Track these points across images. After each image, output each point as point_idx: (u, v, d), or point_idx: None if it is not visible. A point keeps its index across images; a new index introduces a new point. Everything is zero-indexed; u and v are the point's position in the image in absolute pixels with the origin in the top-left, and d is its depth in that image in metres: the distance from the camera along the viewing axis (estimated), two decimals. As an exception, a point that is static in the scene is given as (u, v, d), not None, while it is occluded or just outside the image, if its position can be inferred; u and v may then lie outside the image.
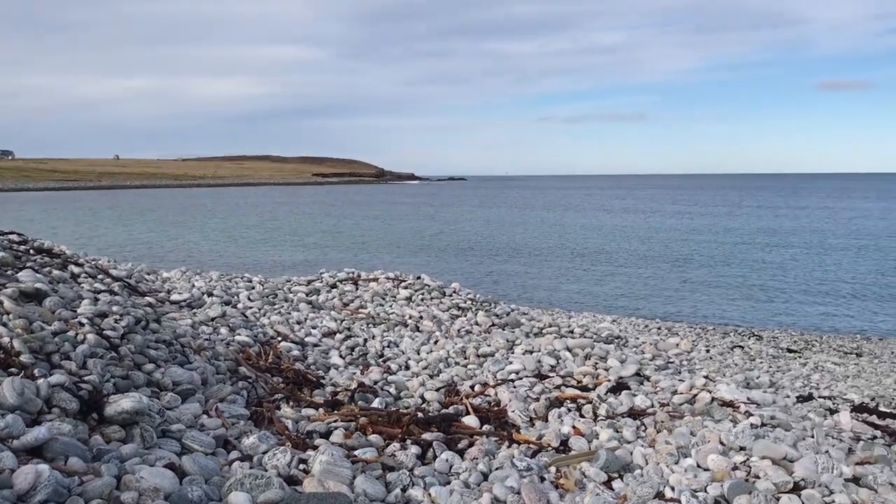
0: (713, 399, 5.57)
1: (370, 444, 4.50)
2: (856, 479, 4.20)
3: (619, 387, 6.01)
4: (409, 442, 4.63)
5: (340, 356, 7.06)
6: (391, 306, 9.11)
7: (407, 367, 6.90)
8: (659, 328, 14.24)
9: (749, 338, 13.70)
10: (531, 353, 7.06)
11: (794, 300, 19.89)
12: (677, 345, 9.01)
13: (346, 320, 8.35)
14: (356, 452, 4.27)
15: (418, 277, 10.32)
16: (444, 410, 5.50)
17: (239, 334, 6.84)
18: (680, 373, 6.95)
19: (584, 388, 6.09)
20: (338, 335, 7.74)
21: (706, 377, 6.41)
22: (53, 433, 3.35)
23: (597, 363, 6.68)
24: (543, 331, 8.42)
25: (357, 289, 9.88)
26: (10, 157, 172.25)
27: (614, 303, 19.60)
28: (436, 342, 7.73)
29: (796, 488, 4.04)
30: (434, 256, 30.29)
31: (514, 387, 6.05)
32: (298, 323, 8.05)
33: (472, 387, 6.24)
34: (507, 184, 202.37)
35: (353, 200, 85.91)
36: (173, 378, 4.89)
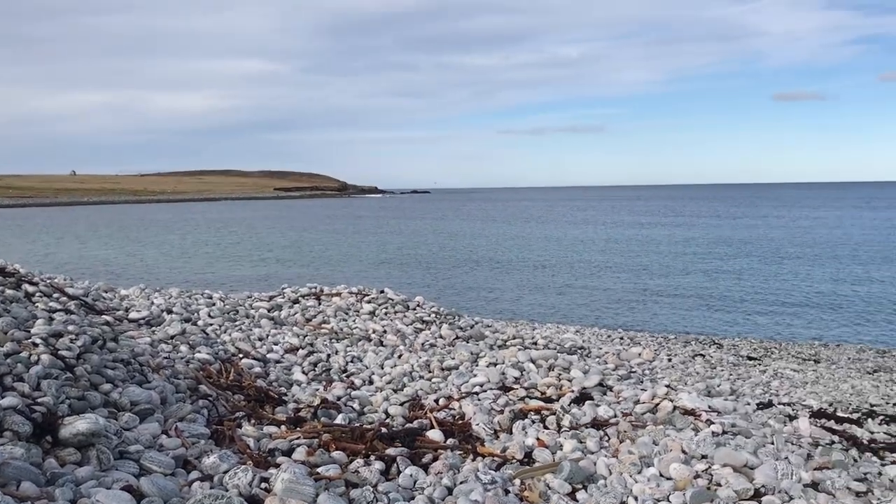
0: (675, 408, 5.64)
1: (333, 461, 4.45)
2: (814, 485, 4.28)
3: (582, 397, 6.04)
4: (372, 458, 4.60)
5: (303, 372, 6.99)
6: (354, 321, 9.05)
7: (371, 382, 6.85)
8: (622, 338, 14.34)
9: (710, 346, 13.87)
10: (495, 365, 7.06)
11: (753, 309, 20.20)
12: (640, 354, 9.11)
13: (308, 336, 8.26)
14: (319, 470, 4.22)
15: (382, 291, 10.27)
16: (408, 425, 5.47)
17: (199, 352, 6.72)
18: (642, 382, 7.02)
19: (548, 400, 6.11)
20: (300, 351, 7.66)
21: (668, 386, 6.48)
22: (5, 457, 3.27)
23: (560, 374, 6.71)
24: (507, 343, 8.43)
25: (320, 304, 9.80)
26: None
27: (577, 313, 19.72)
28: (399, 356, 7.69)
29: (757, 495, 4.11)
30: (397, 270, 30.22)
31: (479, 399, 6.05)
32: (260, 339, 7.95)
33: (436, 400, 6.22)
34: (470, 196, 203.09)
35: (315, 215, 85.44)
36: (131, 398, 4.79)
